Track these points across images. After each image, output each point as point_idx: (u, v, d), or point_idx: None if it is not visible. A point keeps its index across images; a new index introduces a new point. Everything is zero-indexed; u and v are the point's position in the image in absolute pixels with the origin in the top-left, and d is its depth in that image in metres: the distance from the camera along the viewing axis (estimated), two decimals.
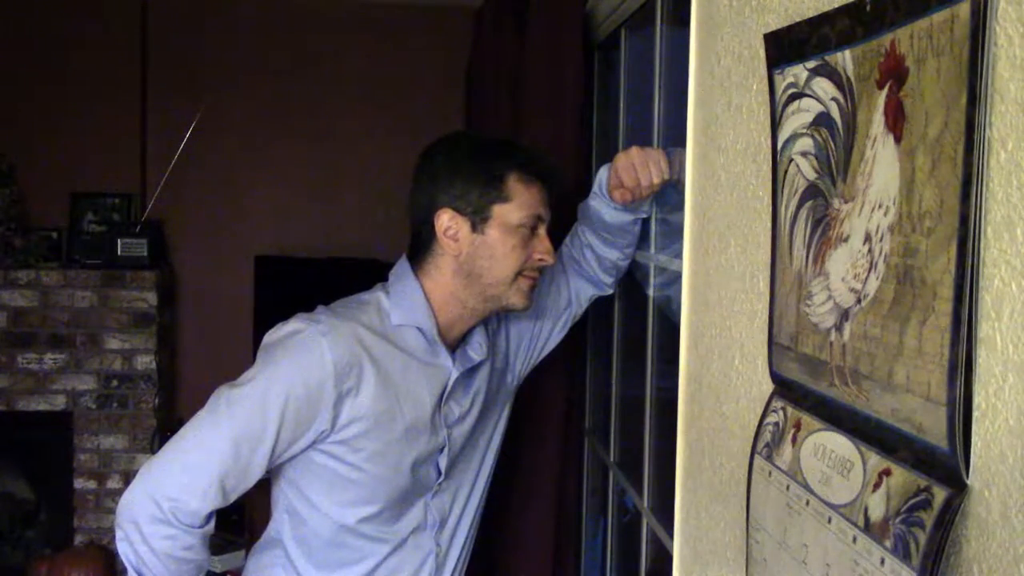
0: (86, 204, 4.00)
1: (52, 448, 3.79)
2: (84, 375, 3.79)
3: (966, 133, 0.61)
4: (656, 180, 1.60)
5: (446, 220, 1.51)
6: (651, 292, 1.90)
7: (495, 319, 1.73)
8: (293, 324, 1.46)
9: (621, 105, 2.21)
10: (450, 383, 1.56)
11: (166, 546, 1.39)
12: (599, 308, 2.44)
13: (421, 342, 1.52)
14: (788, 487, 0.87)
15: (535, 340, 1.82)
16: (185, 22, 4.04)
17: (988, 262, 0.61)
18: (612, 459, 2.26)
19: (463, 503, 1.69)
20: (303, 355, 1.41)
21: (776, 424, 0.91)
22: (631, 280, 2.10)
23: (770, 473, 0.91)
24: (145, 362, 3.83)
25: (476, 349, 1.61)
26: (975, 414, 0.62)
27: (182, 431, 1.43)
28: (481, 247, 1.51)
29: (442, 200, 1.51)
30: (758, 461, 0.95)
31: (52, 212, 3.96)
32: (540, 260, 1.53)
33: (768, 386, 0.96)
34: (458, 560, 1.70)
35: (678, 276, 1.36)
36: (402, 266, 1.58)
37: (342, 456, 1.47)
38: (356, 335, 1.45)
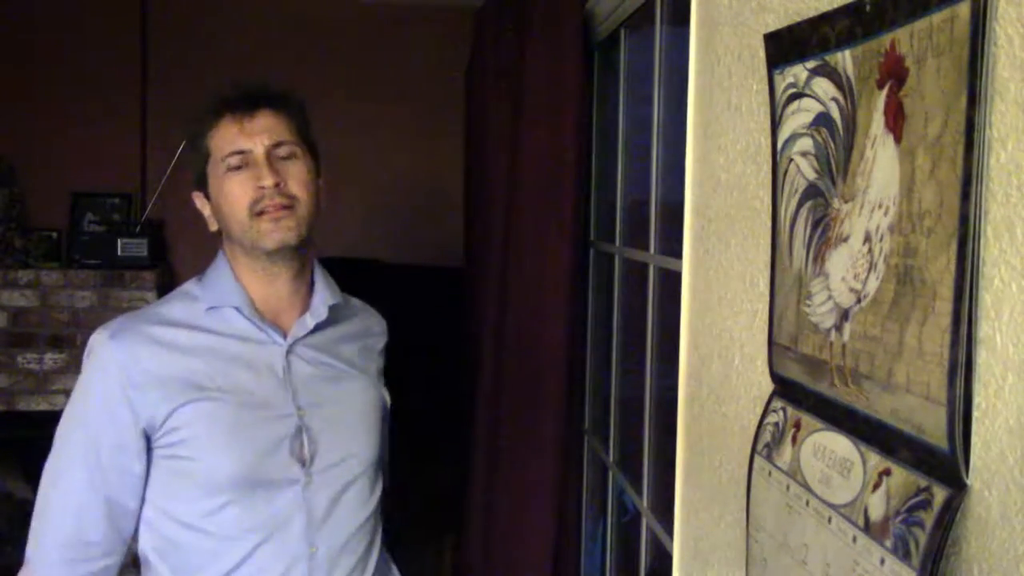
0: (86, 204, 4.00)
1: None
2: None
3: (966, 133, 0.61)
4: None
5: (197, 203, 1.49)
6: (651, 292, 1.90)
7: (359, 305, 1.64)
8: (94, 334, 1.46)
9: (621, 105, 2.21)
10: (282, 360, 1.46)
11: None
12: (599, 308, 2.44)
13: (243, 322, 1.46)
14: (788, 487, 0.87)
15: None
16: (185, 22, 4.04)
17: (988, 262, 0.61)
18: (612, 459, 2.26)
19: (343, 499, 1.51)
20: (93, 362, 1.41)
21: (776, 424, 0.91)
22: (631, 280, 2.10)
23: (770, 473, 0.91)
24: None
25: (315, 313, 1.50)
26: (975, 414, 0.62)
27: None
28: (216, 205, 1.46)
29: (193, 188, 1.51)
30: (758, 461, 0.95)
31: (52, 212, 3.96)
32: (259, 189, 1.39)
33: (768, 386, 0.96)
34: (353, 570, 1.50)
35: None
36: (219, 253, 1.53)
37: (175, 452, 1.41)
38: (143, 331, 1.42)
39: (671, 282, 1.65)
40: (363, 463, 1.53)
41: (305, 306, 1.51)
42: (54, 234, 3.95)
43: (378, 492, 1.58)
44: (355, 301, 1.66)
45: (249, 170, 1.40)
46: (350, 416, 1.53)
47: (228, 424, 1.40)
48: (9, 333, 3.75)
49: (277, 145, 1.42)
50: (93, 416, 1.41)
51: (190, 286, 1.49)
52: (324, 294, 1.52)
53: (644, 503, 1.90)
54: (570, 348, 2.17)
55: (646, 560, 1.95)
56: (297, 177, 1.43)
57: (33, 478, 4.36)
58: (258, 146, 1.41)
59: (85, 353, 1.44)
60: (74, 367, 3.78)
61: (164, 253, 4.04)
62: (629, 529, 2.16)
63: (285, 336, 1.47)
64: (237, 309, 1.45)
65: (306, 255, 1.50)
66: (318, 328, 1.50)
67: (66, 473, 1.43)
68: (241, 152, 1.41)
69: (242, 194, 1.40)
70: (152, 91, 4.04)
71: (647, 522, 1.90)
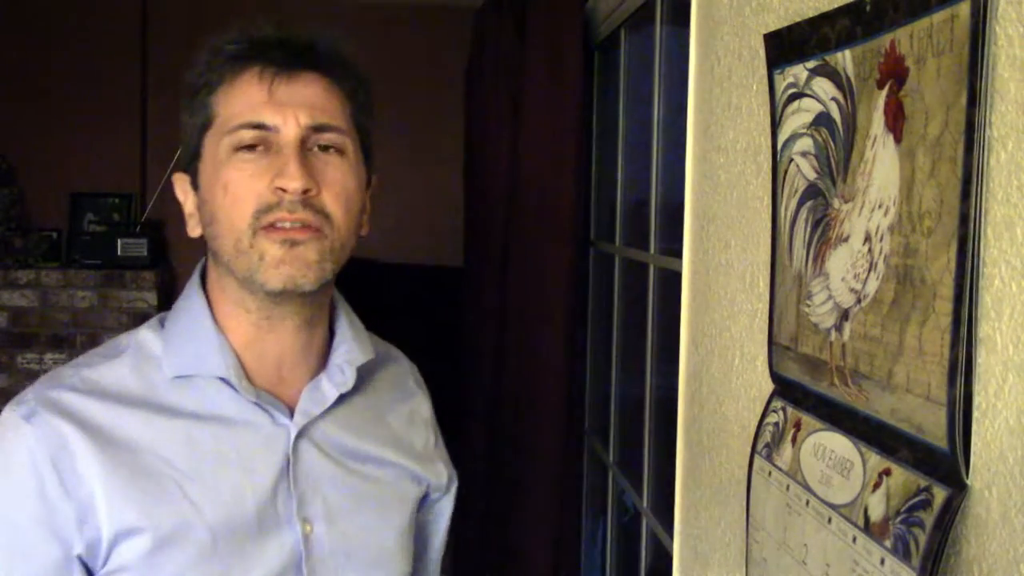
0: (86, 204, 4.00)
1: None
2: None
3: (966, 133, 0.61)
4: None
5: (177, 191, 1.01)
6: (651, 292, 1.90)
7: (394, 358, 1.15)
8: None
9: (621, 105, 2.21)
10: (285, 451, 0.97)
11: None
12: (599, 308, 2.44)
13: (228, 396, 0.96)
14: (788, 487, 0.87)
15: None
16: (185, 22, 4.04)
17: (988, 262, 0.61)
18: (612, 459, 2.26)
19: None
20: (6, 461, 0.90)
21: (776, 424, 0.91)
22: (631, 280, 2.10)
23: (770, 473, 0.91)
24: None
25: (335, 378, 1.01)
26: (975, 414, 0.62)
27: None
28: (205, 200, 0.95)
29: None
30: (758, 461, 0.95)
31: (52, 212, 3.96)
32: (278, 191, 0.90)
33: (768, 386, 0.96)
34: None
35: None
36: (192, 278, 1.03)
37: None
38: (75, 409, 0.91)
39: (671, 282, 1.65)
40: None
41: (319, 363, 1.02)
42: (54, 234, 3.95)
43: None
44: (381, 344, 1.14)
45: (266, 158, 0.91)
46: (381, 533, 1.04)
47: (204, 568, 0.92)
48: (9, 333, 3.75)
49: (320, 129, 0.93)
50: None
51: (149, 334, 0.99)
52: (350, 347, 1.03)
53: (644, 503, 1.90)
54: (570, 348, 2.17)
55: (646, 560, 1.95)
56: (338, 185, 0.94)
57: None
58: (290, 124, 0.92)
59: None
60: None
61: (164, 253, 4.04)
62: (629, 529, 2.16)
63: (291, 413, 0.98)
64: (223, 380, 0.95)
65: (325, 296, 1.01)
66: (342, 398, 1.01)
67: None
68: (262, 127, 0.92)
69: (248, 192, 0.90)
70: (152, 91, 4.05)
71: (647, 522, 1.90)
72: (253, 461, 0.95)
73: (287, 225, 0.90)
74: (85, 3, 3.97)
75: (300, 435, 0.98)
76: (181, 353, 0.96)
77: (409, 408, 1.13)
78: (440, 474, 1.13)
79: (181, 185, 1.00)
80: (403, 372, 1.16)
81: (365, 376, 1.05)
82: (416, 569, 1.12)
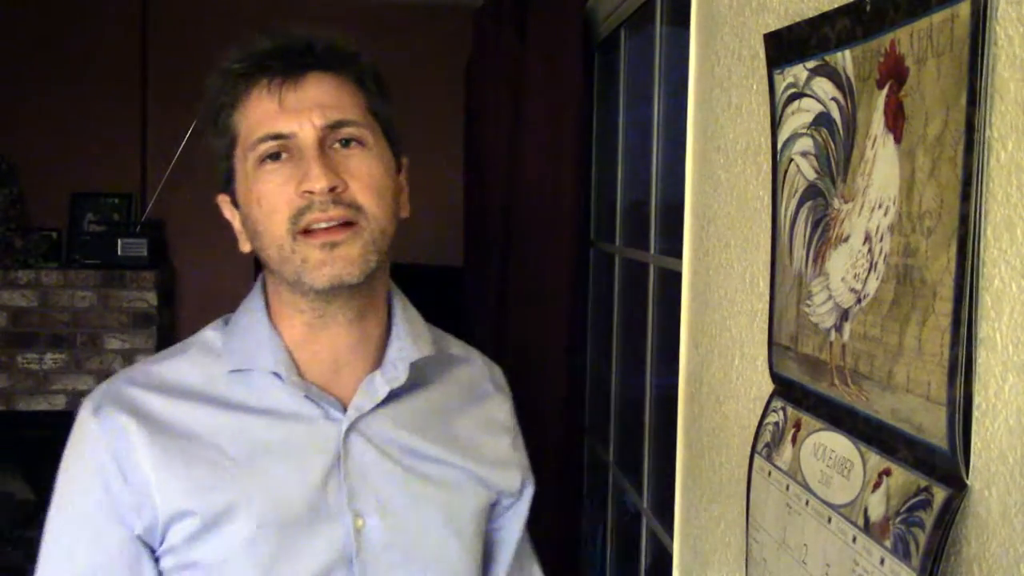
0: (86, 204, 4.00)
1: (52, 448, 3.79)
2: (84, 375, 3.80)
3: (966, 133, 0.61)
4: None
5: (224, 211, 1.06)
6: (651, 292, 1.90)
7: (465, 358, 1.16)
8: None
9: (621, 105, 2.21)
10: (337, 444, 0.99)
11: None
12: (599, 308, 2.44)
13: (281, 391, 1.00)
14: (788, 487, 0.87)
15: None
16: (185, 22, 4.04)
17: (988, 262, 0.61)
18: (612, 459, 2.26)
19: None
20: (74, 448, 1.00)
21: (776, 424, 0.91)
22: (631, 280, 2.10)
23: (770, 473, 0.91)
24: None
25: (389, 374, 1.03)
26: (975, 414, 0.62)
27: None
28: (244, 219, 1.01)
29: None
30: (758, 461, 0.95)
31: (52, 212, 3.96)
32: (306, 194, 0.93)
33: (768, 386, 0.96)
34: None
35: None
36: (256, 283, 1.08)
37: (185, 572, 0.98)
38: (137, 402, 0.98)
39: (671, 282, 1.65)
40: None
41: (376, 359, 1.04)
42: (54, 234, 3.95)
43: None
44: (453, 344, 1.16)
45: (291, 164, 0.95)
46: (440, 536, 1.04)
47: (251, 553, 0.96)
48: (9, 333, 3.76)
49: (336, 126, 0.96)
50: (70, 527, 0.98)
51: (213, 333, 1.06)
52: (405, 343, 1.04)
53: (644, 503, 1.90)
54: (570, 348, 2.17)
55: (646, 560, 1.95)
56: (365, 176, 0.96)
57: (33, 478, 4.36)
58: (306, 128, 0.95)
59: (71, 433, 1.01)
60: (74, 367, 3.79)
61: (164, 253, 4.04)
62: (629, 529, 2.16)
63: (344, 407, 1.01)
64: (275, 374, 1.00)
65: (376, 288, 1.03)
66: (396, 394, 1.03)
67: None
68: (279, 136, 0.95)
69: (280, 200, 0.94)
70: (152, 91, 4.05)
71: (647, 522, 1.90)
72: (304, 453, 0.99)
73: (323, 226, 0.94)
74: (85, 3, 3.97)
75: (351, 429, 1.01)
76: (238, 349, 1.02)
77: (482, 411, 1.13)
78: (512, 480, 1.13)
79: (226, 206, 1.05)
80: (478, 374, 1.16)
81: (430, 375, 1.08)
82: None
